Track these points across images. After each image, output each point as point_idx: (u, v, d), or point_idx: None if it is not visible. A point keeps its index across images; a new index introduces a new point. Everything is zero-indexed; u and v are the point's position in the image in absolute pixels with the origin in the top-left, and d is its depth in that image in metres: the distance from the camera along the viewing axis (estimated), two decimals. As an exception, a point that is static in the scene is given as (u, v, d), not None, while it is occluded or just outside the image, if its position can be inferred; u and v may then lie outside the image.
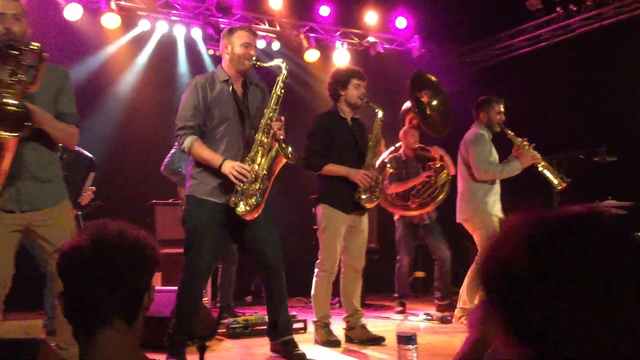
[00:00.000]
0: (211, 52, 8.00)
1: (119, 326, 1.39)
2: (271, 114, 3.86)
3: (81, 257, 1.38)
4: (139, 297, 1.42)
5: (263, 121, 3.84)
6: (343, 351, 4.40)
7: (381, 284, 7.55)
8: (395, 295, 6.51)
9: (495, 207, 5.19)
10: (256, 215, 3.78)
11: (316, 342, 4.57)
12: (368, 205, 4.62)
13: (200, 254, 3.75)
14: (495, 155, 5.30)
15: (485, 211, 5.15)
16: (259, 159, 3.79)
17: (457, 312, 5.34)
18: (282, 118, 3.92)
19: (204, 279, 3.88)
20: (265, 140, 3.81)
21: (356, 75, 4.70)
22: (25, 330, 4.21)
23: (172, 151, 5.52)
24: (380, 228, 7.28)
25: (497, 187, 5.25)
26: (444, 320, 5.62)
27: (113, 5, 6.96)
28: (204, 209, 3.80)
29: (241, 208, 3.70)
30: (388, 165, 4.93)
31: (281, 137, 3.83)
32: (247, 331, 4.92)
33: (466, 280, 5.24)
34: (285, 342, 3.99)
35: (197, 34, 7.75)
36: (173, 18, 7.65)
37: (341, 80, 4.71)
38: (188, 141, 3.77)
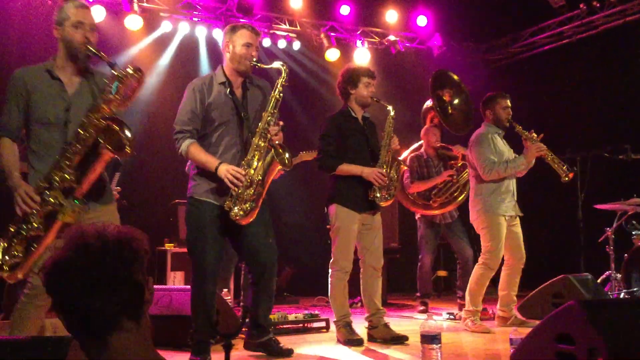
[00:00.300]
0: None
1: (129, 326, 1.36)
2: (269, 118, 3.78)
3: (68, 269, 1.33)
4: (139, 292, 1.38)
5: (261, 125, 3.77)
6: (365, 350, 4.40)
7: (403, 284, 7.55)
8: (418, 294, 6.49)
9: (501, 207, 5.04)
10: (250, 220, 3.75)
11: (338, 341, 4.58)
12: (383, 204, 4.61)
13: (204, 253, 3.76)
14: (507, 153, 5.20)
15: (488, 212, 5.04)
16: (255, 163, 3.72)
17: (463, 314, 5.22)
18: (280, 122, 3.85)
19: (212, 276, 3.83)
20: (262, 145, 3.75)
21: (366, 74, 4.66)
22: (52, 328, 4.26)
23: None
24: (401, 227, 7.27)
25: (505, 186, 5.07)
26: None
27: (135, 6, 7.03)
28: (203, 209, 3.82)
29: (235, 212, 3.67)
30: (403, 163, 4.89)
31: (277, 142, 3.77)
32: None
33: (471, 283, 5.12)
34: (270, 340, 4.02)
35: (218, 34, 7.79)
36: (194, 19, 7.70)
37: (351, 79, 4.67)
38: (184, 145, 3.77)
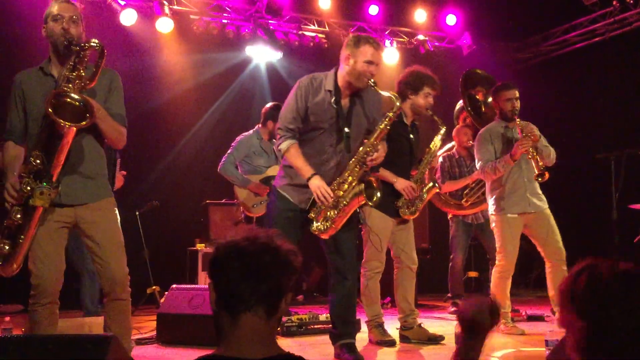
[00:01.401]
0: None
1: (261, 313, 1.54)
2: (369, 148, 3.77)
3: (235, 250, 1.55)
4: (279, 294, 1.56)
5: (362, 150, 3.78)
6: (399, 351, 4.39)
7: (433, 284, 7.50)
8: (449, 295, 6.45)
9: (509, 205, 4.89)
10: (326, 238, 3.80)
11: (370, 341, 4.57)
12: (405, 217, 4.61)
13: None
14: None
15: (496, 211, 4.94)
16: (346, 186, 3.75)
17: None
18: (377, 156, 3.78)
19: None
20: (357, 170, 3.77)
21: (430, 84, 4.55)
22: (87, 327, 4.32)
23: (229, 152, 5.59)
24: (432, 227, 7.23)
25: (512, 184, 4.90)
26: (499, 321, 5.55)
27: (166, 9, 7.11)
28: (283, 203, 3.90)
29: (315, 227, 3.75)
30: (435, 185, 4.82)
31: (371, 178, 3.80)
32: (302, 330, 4.96)
33: (491, 286, 5.01)
34: (344, 345, 4.00)
35: (248, 36, 7.85)
36: (224, 21, 7.75)
37: (414, 83, 4.56)
38: (285, 145, 3.79)
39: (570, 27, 8.44)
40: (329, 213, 3.73)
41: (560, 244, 4.91)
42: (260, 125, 5.74)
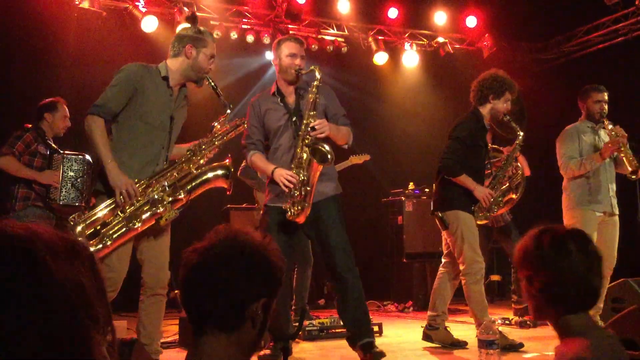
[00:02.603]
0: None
1: (216, 332, 1.40)
2: (308, 120, 3.88)
3: (184, 267, 1.43)
4: (236, 307, 1.40)
5: (302, 128, 3.89)
6: (425, 353, 4.36)
7: (456, 288, 7.45)
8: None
9: (589, 202, 4.90)
10: (304, 218, 3.87)
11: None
12: (479, 222, 4.58)
13: None
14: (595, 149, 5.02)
15: (574, 207, 4.95)
16: (302, 162, 3.87)
17: None
18: (319, 124, 3.87)
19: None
20: (305, 145, 3.87)
21: (512, 90, 4.57)
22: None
23: (248, 156, 5.61)
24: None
25: (595, 182, 4.94)
26: (523, 325, 5.50)
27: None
28: (270, 215, 4.04)
29: (290, 213, 3.85)
30: (515, 194, 4.77)
31: (313, 141, 3.83)
32: (323, 334, 4.96)
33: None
34: (362, 345, 3.99)
35: (267, 41, 7.88)
36: (244, 26, 7.80)
37: (497, 88, 4.55)
38: (249, 157, 4.11)
39: (592, 28, 8.35)
40: (296, 194, 3.82)
41: (615, 252, 4.99)
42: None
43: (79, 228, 3.10)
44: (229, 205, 6.76)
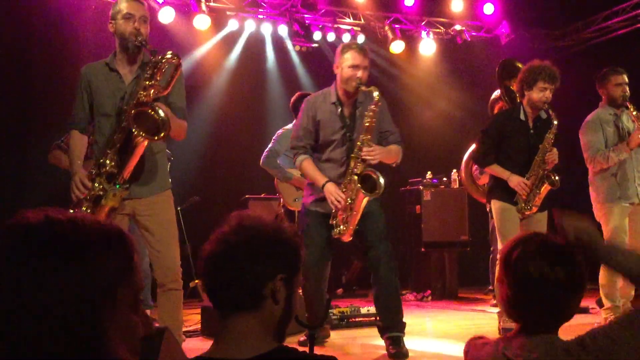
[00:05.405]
0: (297, 48, 8.14)
1: (244, 312, 1.46)
2: (360, 143, 3.91)
3: (207, 254, 1.48)
4: (255, 286, 1.45)
5: (355, 149, 3.92)
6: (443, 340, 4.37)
7: (474, 277, 7.45)
8: (490, 287, 6.39)
9: (617, 194, 4.74)
10: (348, 239, 4.03)
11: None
12: (527, 212, 4.46)
13: (309, 251, 3.90)
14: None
15: (603, 200, 4.77)
16: (352, 185, 3.92)
17: (603, 313, 4.76)
18: (373, 151, 3.92)
19: (315, 271, 4.13)
20: (358, 167, 3.92)
21: (545, 77, 4.37)
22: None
23: (270, 146, 5.59)
24: (471, 219, 7.17)
25: (622, 173, 4.75)
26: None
27: (203, 6, 7.17)
28: (310, 217, 4.15)
29: (335, 231, 3.99)
30: (547, 181, 4.46)
31: (362, 170, 3.88)
32: (343, 323, 4.99)
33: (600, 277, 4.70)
34: (389, 338, 4.02)
35: (283, 31, 7.89)
36: (260, 17, 7.80)
37: (527, 79, 4.45)
38: (298, 161, 4.11)
39: (611, 14, 8.24)
40: (344, 215, 3.92)
41: None
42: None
43: None
44: (247, 196, 6.79)
